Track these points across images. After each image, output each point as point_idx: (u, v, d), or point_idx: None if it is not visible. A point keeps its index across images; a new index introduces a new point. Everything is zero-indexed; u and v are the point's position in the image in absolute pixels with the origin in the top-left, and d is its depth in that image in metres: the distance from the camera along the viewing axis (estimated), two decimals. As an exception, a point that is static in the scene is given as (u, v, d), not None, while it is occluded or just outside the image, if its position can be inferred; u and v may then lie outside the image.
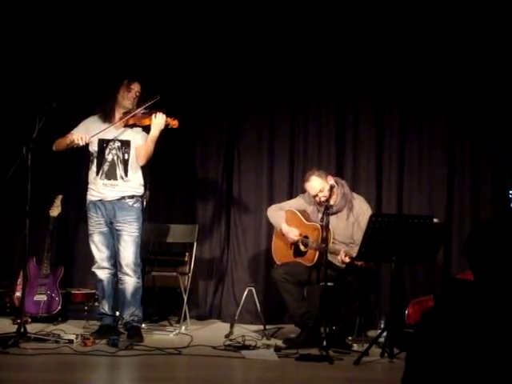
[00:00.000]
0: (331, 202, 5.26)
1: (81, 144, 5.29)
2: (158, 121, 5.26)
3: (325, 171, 5.56)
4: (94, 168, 5.41)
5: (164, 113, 5.28)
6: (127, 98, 5.39)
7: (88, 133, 5.35)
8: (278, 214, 5.64)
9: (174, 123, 5.32)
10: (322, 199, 5.30)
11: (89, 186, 5.45)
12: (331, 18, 6.45)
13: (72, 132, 5.41)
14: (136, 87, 5.41)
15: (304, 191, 5.65)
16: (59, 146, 5.44)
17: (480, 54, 6.27)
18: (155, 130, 5.28)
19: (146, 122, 5.34)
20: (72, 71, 6.57)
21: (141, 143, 5.39)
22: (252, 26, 6.54)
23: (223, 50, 6.60)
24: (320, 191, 5.35)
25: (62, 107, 5.43)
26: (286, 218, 5.60)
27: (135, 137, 5.41)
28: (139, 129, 5.41)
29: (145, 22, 6.55)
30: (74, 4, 6.53)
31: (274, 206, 5.78)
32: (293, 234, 5.49)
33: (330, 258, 5.18)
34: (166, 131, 5.35)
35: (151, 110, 5.33)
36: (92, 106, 5.56)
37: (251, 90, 6.64)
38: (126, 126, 5.38)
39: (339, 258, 5.17)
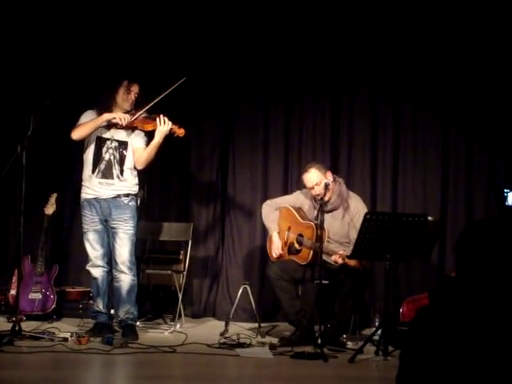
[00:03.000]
0: (326, 198, 5.27)
1: (123, 124, 5.21)
2: (163, 128, 5.20)
3: (325, 166, 5.57)
4: (89, 166, 5.36)
5: (163, 118, 5.21)
6: (126, 99, 5.34)
7: None
8: (272, 217, 5.62)
9: (181, 131, 5.25)
10: (318, 192, 5.29)
11: (83, 183, 5.41)
12: (325, 16, 6.45)
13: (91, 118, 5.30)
14: (135, 89, 5.37)
15: (301, 187, 5.65)
16: (84, 131, 5.26)
17: (476, 53, 6.28)
18: (159, 137, 5.23)
19: (148, 127, 5.27)
20: (67, 69, 6.56)
21: (140, 146, 5.35)
22: (244, 25, 6.53)
23: (217, 47, 6.59)
24: (316, 184, 5.34)
25: (56, 105, 5.41)
26: (281, 215, 5.60)
27: (134, 138, 5.37)
28: (141, 131, 5.36)
29: (141, 22, 6.54)
30: (70, 2, 6.51)
31: (269, 203, 5.74)
32: (275, 248, 5.51)
33: (324, 256, 5.17)
34: (169, 138, 5.27)
35: (153, 115, 5.25)
36: (88, 104, 5.52)
37: (245, 89, 6.64)
38: (127, 127, 5.31)
39: (332, 258, 5.17)
